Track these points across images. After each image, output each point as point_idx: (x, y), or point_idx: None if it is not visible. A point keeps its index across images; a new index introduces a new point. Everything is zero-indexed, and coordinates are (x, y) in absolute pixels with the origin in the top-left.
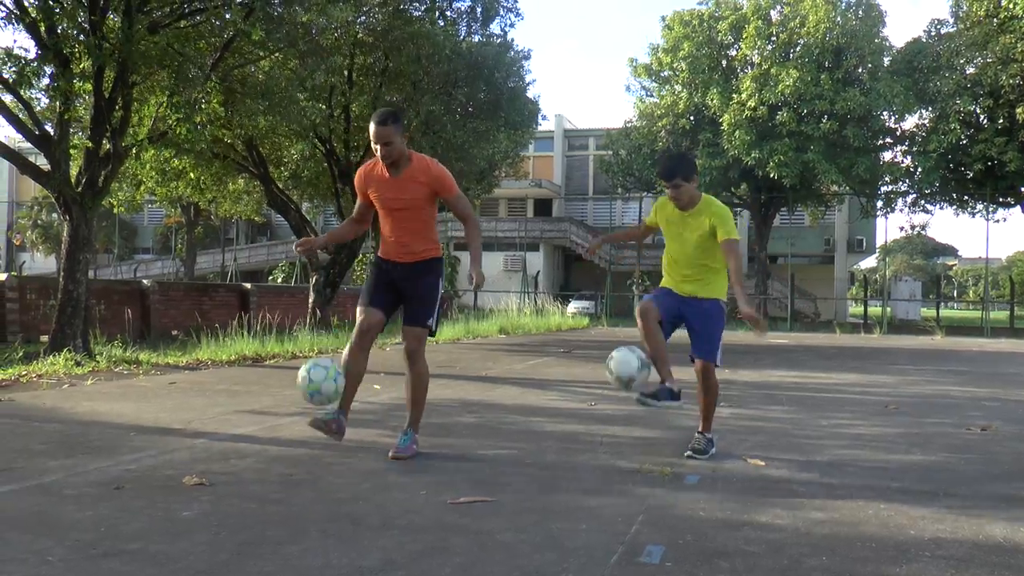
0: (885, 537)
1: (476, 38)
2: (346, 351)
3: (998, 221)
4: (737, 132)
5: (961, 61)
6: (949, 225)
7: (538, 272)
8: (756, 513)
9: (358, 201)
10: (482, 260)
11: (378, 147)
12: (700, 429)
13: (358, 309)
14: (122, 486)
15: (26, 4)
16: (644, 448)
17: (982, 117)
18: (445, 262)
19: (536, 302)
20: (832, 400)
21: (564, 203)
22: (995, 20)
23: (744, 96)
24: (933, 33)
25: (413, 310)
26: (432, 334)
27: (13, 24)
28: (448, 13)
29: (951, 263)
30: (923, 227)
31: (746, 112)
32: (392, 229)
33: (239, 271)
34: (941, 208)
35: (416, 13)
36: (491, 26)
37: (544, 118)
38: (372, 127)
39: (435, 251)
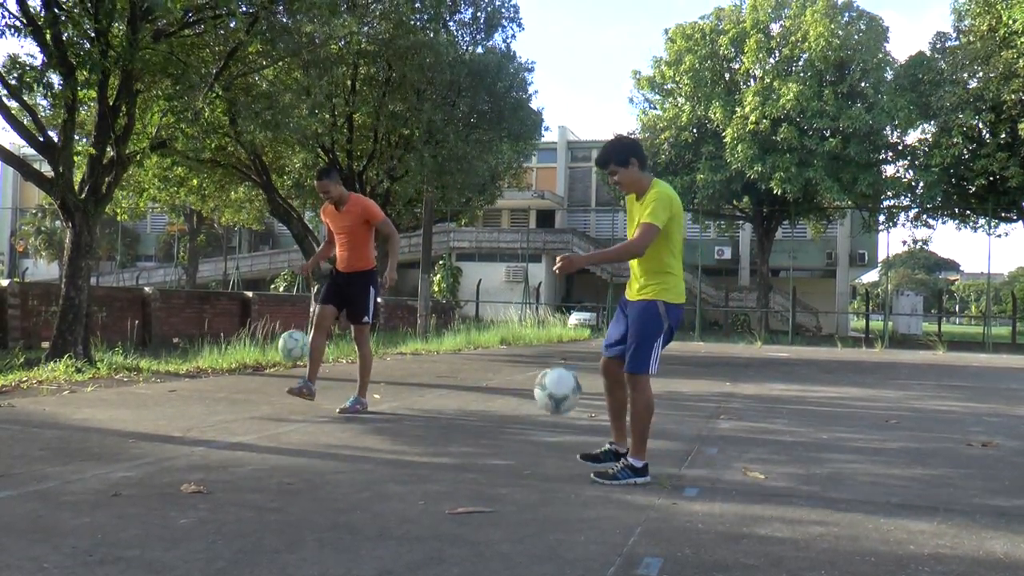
0: (885, 552)
1: (479, 49)
2: (311, 335)
3: (1000, 236)
4: (740, 146)
5: (963, 76)
6: (951, 240)
7: (540, 283)
8: (755, 526)
9: (326, 228)
10: (396, 266)
11: (322, 194)
12: (626, 452)
13: (317, 307)
14: (120, 493)
15: (32, 12)
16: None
17: (984, 132)
18: (448, 271)
19: (537, 313)
20: (833, 414)
21: (567, 214)
22: (997, 35)
23: (747, 110)
24: (936, 47)
25: (355, 310)
26: (373, 327)
27: (20, 34)
28: (450, 24)
29: (953, 278)
30: (925, 242)
31: (749, 126)
32: (339, 248)
33: (241, 279)
34: (943, 223)
35: (419, 24)
36: (494, 37)
37: (547, 129)
38: (316, 182)
39: (368, 264)
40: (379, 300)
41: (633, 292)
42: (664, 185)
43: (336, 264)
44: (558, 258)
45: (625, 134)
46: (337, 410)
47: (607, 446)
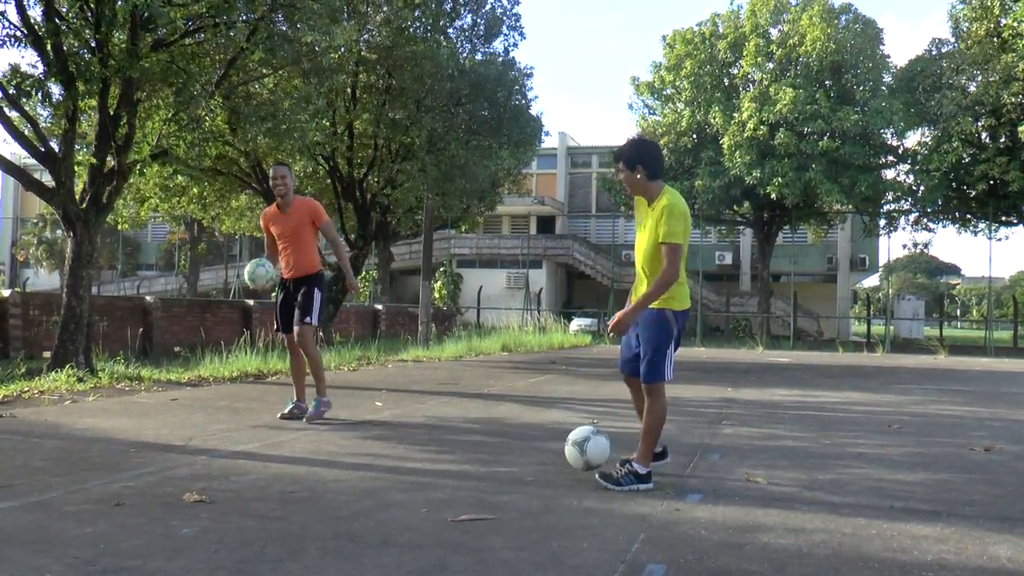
0: (888, 558)
1: (479, 56)
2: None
3: (1001, 240)
4: (737, 152)
5: (962, 80)
6: (952, 244)
7: (541, 289)
8: (758, 532)
9: (266, 236)
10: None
11: (276, 181)
12: (633, 456)
13: (281, 334)
14: (122, 503)
15: (33, 23)
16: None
17: (984, 136)
18: (449, 278)
19: (539, 319)
20: (835, 419)
21: (567, 220)
22: (996, 39)
23: (744, 116)
24: (934, 52)
25: (299, 311)
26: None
27: (21, 44)
28: (451, 31)
29: (954, 282)
30: (926, 246)
31: (746, 132)
32: (284, 254)
33: (241, 288)
34: (944, 226)
35: (419, 32)
36: (494, 44)
37: (547, 133)
38: (274, 168)
39: (316, 267)
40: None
41: (638, 294)
42: (675, 196)
43: (282, 273)
44: (610, 324)
45: (648, 139)
46: (304, 420)
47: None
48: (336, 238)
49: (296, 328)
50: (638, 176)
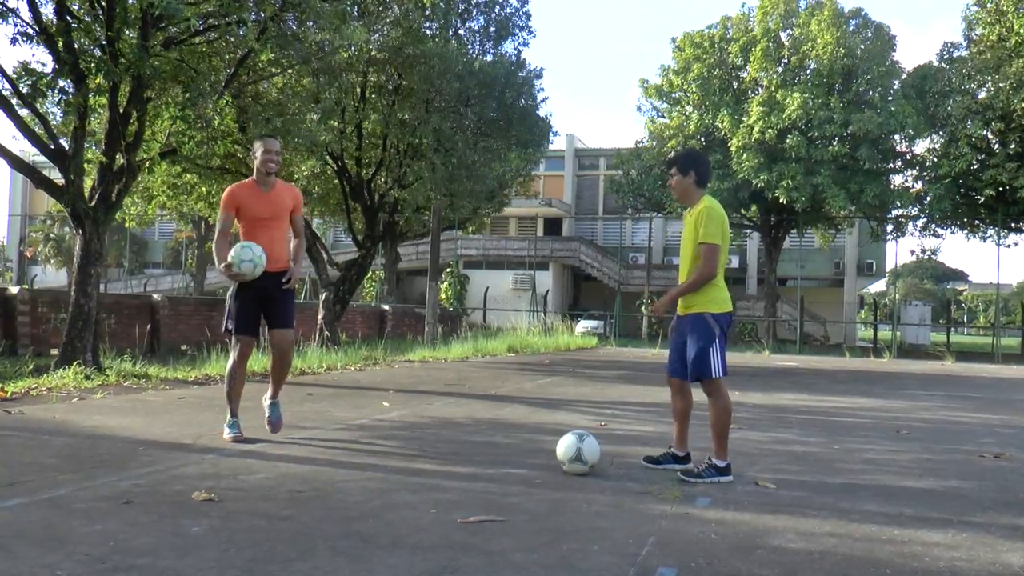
0: (900, 564)
1: (488, 57)
2: (228, 367)
3: (1009, 246)
4: (745, 155)
5: (972, 85)
6: (960, 249)
7: (547, 291)
8: (768, 537)
9: (224, 217)
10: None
11: (269, 156)
12: (685, 455)
13: (239, 337)
14: (131, 501)
15: (44, 21)
16: (655, 469)
17: (993, 142)
18: (455, 279)
19: (545, 321)
20: (843, 424)
21: (574, 222)
22: (1007, 44)
23: (752, 120)
24: (945, 57)
25: (284, 312)
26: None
27: (32, 42)
28: (461, 32)
29: (961, 288)
30: (934, 251)
31: (754, 136)
32: (260, 240)
33: None
34: (952, 232)
35: (429, 32)
36: (504, 45)
37: (556, 134)
38: (268, 140)
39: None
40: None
41: (682, 307)
42: (713, 202)
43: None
44: (651, 309)
45: (700, 152)
46: (271, 431)
47: (668, 449)
48: (303, 232)
49: (285, 333)
50: (690, 181)
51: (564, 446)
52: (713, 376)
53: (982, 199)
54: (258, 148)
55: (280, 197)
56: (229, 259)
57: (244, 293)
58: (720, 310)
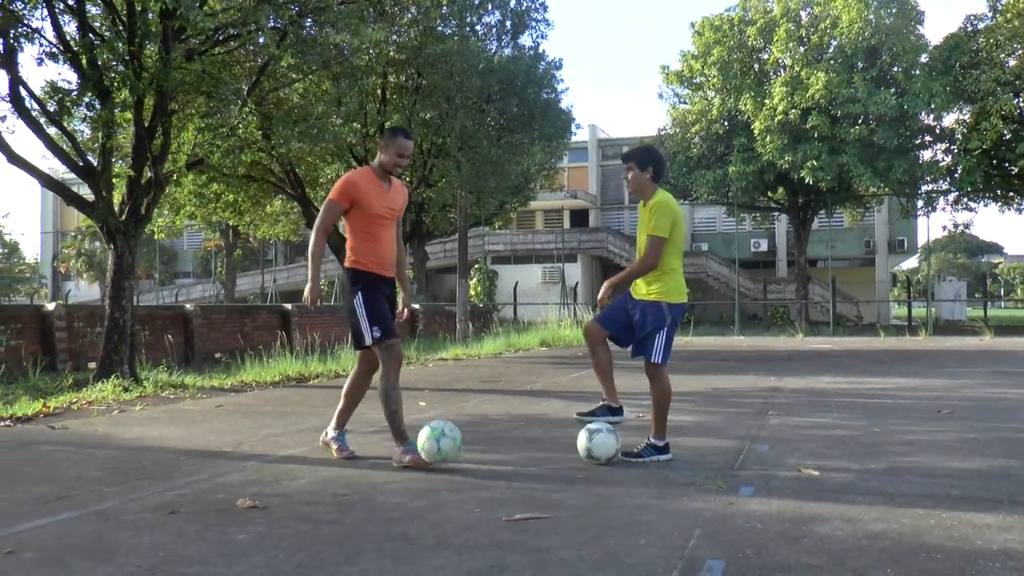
0: (951, 548)
1: (507, 51)
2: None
3: None
4: (769, 137)
5: (1001, 55)
6: (994, 222)
7: (576, 283)
8: (815, 524)
9: (336, 210)
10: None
11: (402, 159)
12: (619, 407)
13: (389, 342)
14: (177, 510)
15: (68, 39)
16: (696, 460)
17: None
18: (484, 275)
19: (575, 313)
20: (882, 406)
21: (600, 213)
22: None
23: (776, 100)
24: (970, 28)
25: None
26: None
27: (57, 61)
28: (478, 28)
29: (997, 261)
30: (967, 225)
31: (777, 116)
32: (381, 242)
33: (279, 292)
34: (985, 205)
35: (447, 30)
36: (521, 38)
37: (579, 126)
38: (406, 141)
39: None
40: None
41: (640, 291)
42: (665, 195)
43: (376, 267)
44: (600, 295)
45: (655, 147)
46: (343, 455)
47: (600, 402)
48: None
49: (398, 342)
50: (647, 176)
51: (578, 445)
52: (653, 361)
53: (1016, 170)
54: (392, 144)
55: (398, 196)
56: (434, 455)
57: (375, 295)
58: (676, 301)
